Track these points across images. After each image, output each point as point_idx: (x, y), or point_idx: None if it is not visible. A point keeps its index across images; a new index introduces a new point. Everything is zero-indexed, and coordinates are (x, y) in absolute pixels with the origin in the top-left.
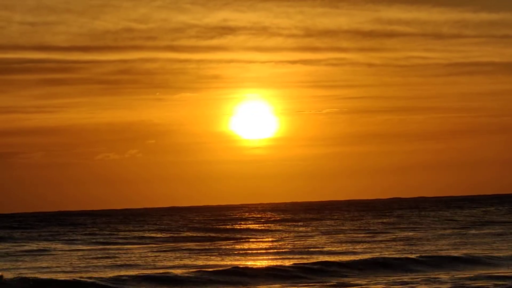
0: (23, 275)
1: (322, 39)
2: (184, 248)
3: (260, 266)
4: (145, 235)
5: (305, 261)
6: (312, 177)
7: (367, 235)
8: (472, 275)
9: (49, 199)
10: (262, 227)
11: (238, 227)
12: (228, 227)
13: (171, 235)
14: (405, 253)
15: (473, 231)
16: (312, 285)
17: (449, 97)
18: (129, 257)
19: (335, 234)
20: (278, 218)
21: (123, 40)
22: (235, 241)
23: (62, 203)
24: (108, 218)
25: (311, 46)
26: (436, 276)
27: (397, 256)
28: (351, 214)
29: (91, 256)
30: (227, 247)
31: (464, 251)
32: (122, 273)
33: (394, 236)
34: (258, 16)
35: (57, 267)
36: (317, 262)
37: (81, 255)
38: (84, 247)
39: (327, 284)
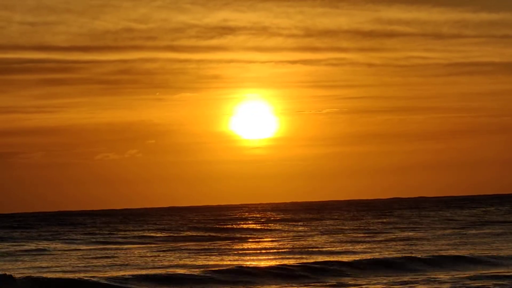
0: (33, 275)
1: (322, 39)
2: (184, 247)
3: (262, 266)
4: (145, 234)
5: (305, 260)
6: (312, 177)
7: (367, 235)
8: (472, 274)
9: (49, 199)
10: (262, 227)
11: (238, 227)
12: (228, 227)
13: (171, 234)
14: (405, 253)
15: (473, 231)
16: (313, 285)
17: (449, 97)
18: (129, 256)
19: (335, 234)
20: (278, 218)
21: (123, 40)
22: (235, 240)
23: (62, 203)
24: (108, 218)
25: (311, 46)
26: (436, 276)
27: (397, 256)
28: (351, 214)
29: (91, 256)
30: (228, 246)
31: (464, 251)
32: (123, 273)
33: (394, 236)
34: (258, 16)
35: (56, 266)
36: (317, 262)
37: (81, 255)
38: (84, 247)
39: (327, 284)
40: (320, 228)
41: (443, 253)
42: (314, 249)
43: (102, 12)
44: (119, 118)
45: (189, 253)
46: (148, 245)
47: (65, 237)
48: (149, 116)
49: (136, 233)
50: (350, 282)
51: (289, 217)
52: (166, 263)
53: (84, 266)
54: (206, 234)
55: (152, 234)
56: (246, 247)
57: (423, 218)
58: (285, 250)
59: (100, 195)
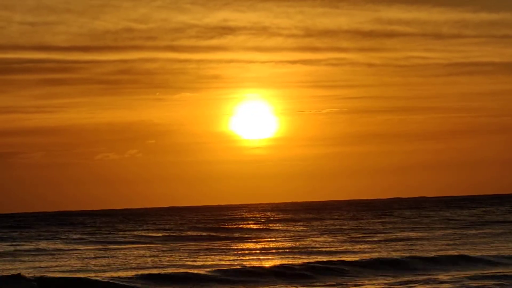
0: (43, 275)
1: (322, 39)
2: (184, 247)
3: (263, 265)
4: (145, 234)
5: (305, 260)
6: (312, 177)
7: (367, 235)
8: (472, 275)
9: (49, 199)
10: (262, 227)
11: (238, 227)
12: (228, 226)
13: (171, 234)
14: (405, 253)
15: (473, 231)
16: (313, 285)
17: (449, 97)
18: (129, 256)
19: (335, 234)
20: (278, 218)
21: (123, 40)
22: (235, 240)
23: (62, 203)
24: (108, 218)
25: (311, 46)
26: (436, 276)
27: (397, 256)
28: (351, 214)
29: (90, 256)
30: (228, 246)
31: (464, 251)
32: (123, 273)
33: (394, 236)
34: (258, 16)
35: (56, 266)
36: (317, 261)
37: (81, 255)
38: (84, 247)
39: (327, 283)
40: (320, 228)
41: (443, 253)
42: (314, 249)
43: (102, 12)
44: (119, 118)
45: (189, 253)
46: (148, 245)
47: (65, 237)
48: (149, 116)
49: (136, 233)
50: (350, 282)
51: (289, 217)
52: (165, 263)
53: (84, 266)
54: (206, 234)
55: (152, 234)
56: (246, 247)
57: (423, 218)
58: (285, 250)
59: (100, 195)
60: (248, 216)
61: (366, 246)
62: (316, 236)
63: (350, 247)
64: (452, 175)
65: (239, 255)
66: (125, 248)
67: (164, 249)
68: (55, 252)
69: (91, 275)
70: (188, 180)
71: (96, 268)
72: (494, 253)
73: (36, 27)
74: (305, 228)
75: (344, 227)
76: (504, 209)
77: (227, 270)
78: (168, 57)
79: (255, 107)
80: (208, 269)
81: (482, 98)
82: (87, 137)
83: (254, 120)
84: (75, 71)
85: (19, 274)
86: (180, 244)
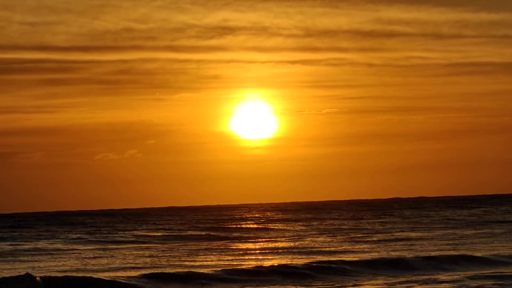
0: (52, 275)
1: (322, 39)
2: (184, 247)
3: (263, 265)
4: (145, 234)
5: (305, 260)
6: (312, 177)
7: (367, 235)
8: (472, 274)
9: (49, 199)
10: (262, 227)
11: (238, 227)
12: (228, 226)
13: (171, 234)
14: (404, 253)
15: (473, 231)
16: (313, 285)
17: (449, 97)
18: (129, 256)
19: (335, 234)
20: (278, 218)
21: (123, 40)
22: (235, 240)
23: (62, 203)
24: (107, 218)
25: (311, 46)
26: (436, 276)
27: (397, 256)
28: (351, 214)
29: (90, 256)
30: (228, 246)
31: (464, 251)
32: (124, 272)
33: (394, 236)
34: (258, 16)
35: (56, 266)
36: (317, 261)
37: (81, 255)
38: (84, 247)
39: (327, 283)
40: (320, 228)
41: (443, 253)
42: (314, 249)
43: (102, 12)
44: (119, 118)
45: (189, 252)
46: (148, 244)
47: (65, 237)
48: (149, 116)
49: (136, 233)
50: (350, 282)
51: (289, 217)
52: (165, 263)
53: (84, 266)
54: (206, 233)
55: (152, 234)
56: (246, 246)
57: (423, 218)
58: (285, 250)
59: (100, 195)
60: (248, 216)
61: (366, 246)
62: (316, 236)
63: (350, 247)
64: (452, 175)
65: (239, 254)
66: (125, 248)
67: (163, 249)
68: (55, 252)
69: (95, 275)
70: (188, 180)
71: (96, 268)
72: (494, 253)
73: (36, 27)
74: (305, 228)
75: (344, 227)
76: (504, 209)
77: (227, 269)
78: (168, 57)
79: (255, 107)
80: (209, 269)
81: (482, 98)
82: (87, 137)
83: (254, 120)
84: (75, 71)
85: (27, 273)
86: (180, 244)
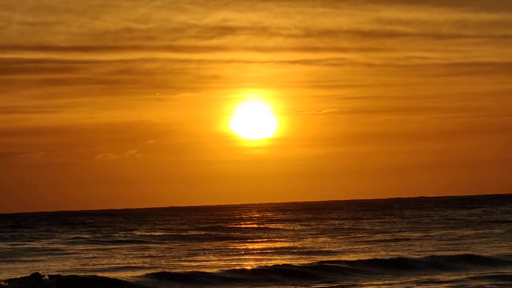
0: (60, 274)
1: (322, 39)
2: (184, 247)
3: (263, 265)
4: (145, 234)
5: (305, 260)
6: (312, 177)
7: (367, 235)
8: (472, 274)
9: (49, 199)
10: (262, 227)
11: (238, 227)
12: (228, 226)
13: (171, 234)
14: (404, 253)
15: (473, 231)
16: (313, 285)
17: (449, 97)
18: (128, 256)
19: (335, 234)
20: (278, 218)
21: (123, 40)
22: (235, 240)
23: (62, 203)
24: (108, 218)
25: (311, 46)
26: (436, 276)
27: (396, 256)
28: (351, 214)
29: (90, 256)
30: (228, 246)
31: (464, 251)
32: (124, 272)
33: (394, 236)
34: (258, 16)
35: (56, 266)
36: (317, 261)
37: (81, 255)
38: (84, 247)
39: (328, 283)
40: (320, 228)
41: (443, 253)
42: (314, 249)
43: (102, 12)
44: (119, 118)
45: (189, 252)
46: (148, 244)
47: (65, 237)
48: (149, 116)
49: (136, 233)
50: (350, 282)
51: (289, 217)
52: (164, 263)
53: (84, 266)
54: (206, 233)
55: (152, 234)
56: (246, 247)
57: (423, 218)
58: (285, 250)
59: (100, 195)
60: (248, 216)
61: (366, 246)
62: (316, 236)
63: (350, 247)
64: (452, 175)
65: (239, 254)
66: (125, 248)
67: (163, 249)
68: (54, 252)
69: (100, 274)
70: (188, 180)
71: (96, 267)
72: (494, 253)
73: (36, 27)
74: (305, 228)
75: (344, 227)
76: (503, 209)
77: (227, 269)
78: (168, 57)
79: (255, 107)
80: (209, 269)
81: (482, 98)
82: (87, 137)
83: (254, 120)
84: (75, 71)
85: (36, 273)
86: (180, 244)
